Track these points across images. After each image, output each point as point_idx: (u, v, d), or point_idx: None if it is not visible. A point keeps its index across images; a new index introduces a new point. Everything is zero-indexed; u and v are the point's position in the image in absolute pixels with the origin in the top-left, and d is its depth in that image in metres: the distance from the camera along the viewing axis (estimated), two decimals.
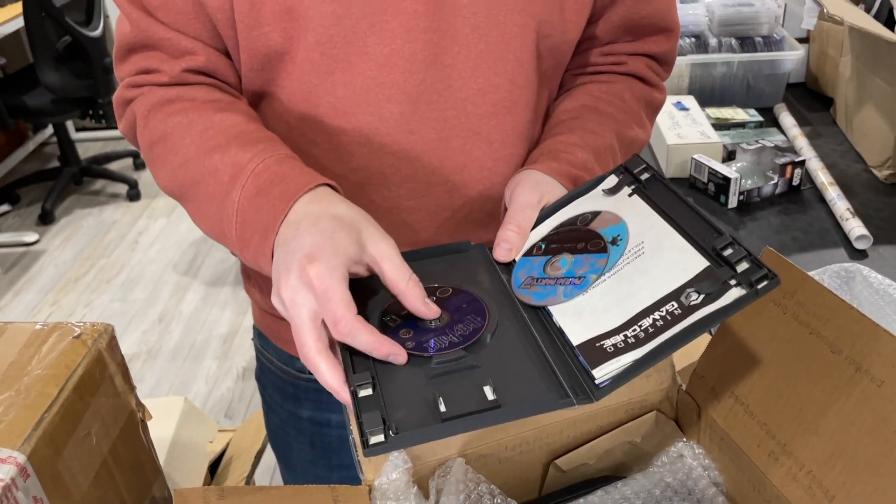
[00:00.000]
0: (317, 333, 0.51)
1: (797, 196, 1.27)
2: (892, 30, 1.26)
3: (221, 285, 2.77)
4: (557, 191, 0.65)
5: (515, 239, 0.62)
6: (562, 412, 0.57)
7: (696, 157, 1.29)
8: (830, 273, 0.84)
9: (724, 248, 0.51)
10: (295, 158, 0.62)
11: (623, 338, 0.51)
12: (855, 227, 1.14)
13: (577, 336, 0.53)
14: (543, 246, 0.62)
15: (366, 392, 0.49)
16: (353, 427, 0.51)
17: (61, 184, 3.36)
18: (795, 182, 1.27)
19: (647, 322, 0.51)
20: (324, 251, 0.52)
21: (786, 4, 1.61)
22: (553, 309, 0.56)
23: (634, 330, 0.51)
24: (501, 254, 0.62)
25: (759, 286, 0.48)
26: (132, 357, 2.34)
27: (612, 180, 0.64)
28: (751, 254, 0.50)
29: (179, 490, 0.50)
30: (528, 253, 0.62)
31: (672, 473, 0.64)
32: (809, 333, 0.55)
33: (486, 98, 0.68)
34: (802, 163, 1.27)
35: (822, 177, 1.28)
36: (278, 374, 0.85)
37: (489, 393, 0.49)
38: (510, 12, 0.65)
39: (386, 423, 0.47)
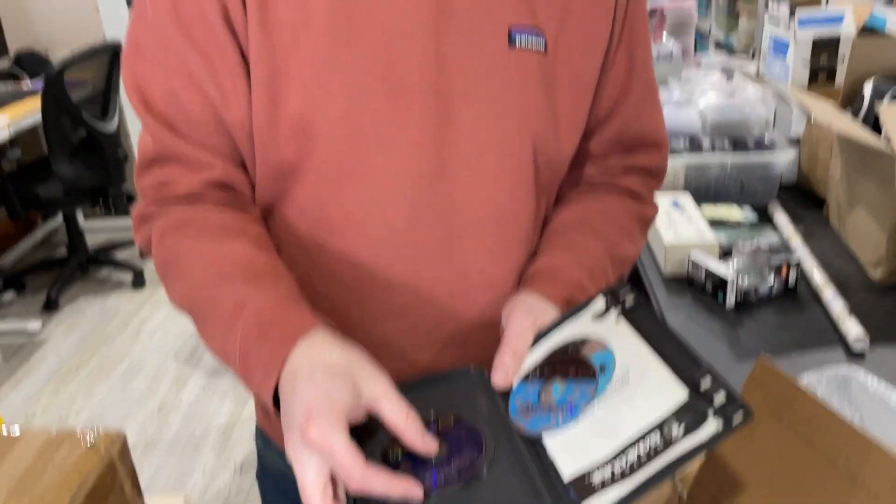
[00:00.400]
0: (321, 492, 0.53)
1: (794, 296, 1.29)
2: (880, 133, 1.32)
3: (222, 375, 2.76)
4: (550, 314, 0.68)
5: (512, 365, 0.64)
6: None
7: (692, 257, 1.32)
8: (828, 377, 0.86)
9: (703, 380, 0.55)
10: (293, 297, 0.65)
11: (610, 472, 0.53)
12: (851, 329, 1.15)
13: (567, 470, 0.55)
14: (539, 371, 0.64)
15: None
16: None
17: (67, 272, 3.40)
18: (791, 282, 1.30)
19: (632, 455, 0.54)
20: (321, 408, 0.53)
21: (776, 110, 1.68)
22: (546, 441, 0.59)
23: (621, 463, 0.54)
24: (498, 379, 0.64)
25: (734, 420, 0.52)
26: (130, 448, 2.31)
27: (600, 304, 0.68)
28: (727, 387, 0.54)
29: None
30: (525, 378, 0.65)
31: None
32: (806, 445, 0.56)
33: (487, 210, 0.72)
34: (798, 264, 1.30)
35: (818, 277, 1.30)
36: (279, 475, 0.85)
37: None
38: (508, 131, 0.70)
39: None
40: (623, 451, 0.54)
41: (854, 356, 1.13)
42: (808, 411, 0.56)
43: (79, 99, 2.98)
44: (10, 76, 3.44)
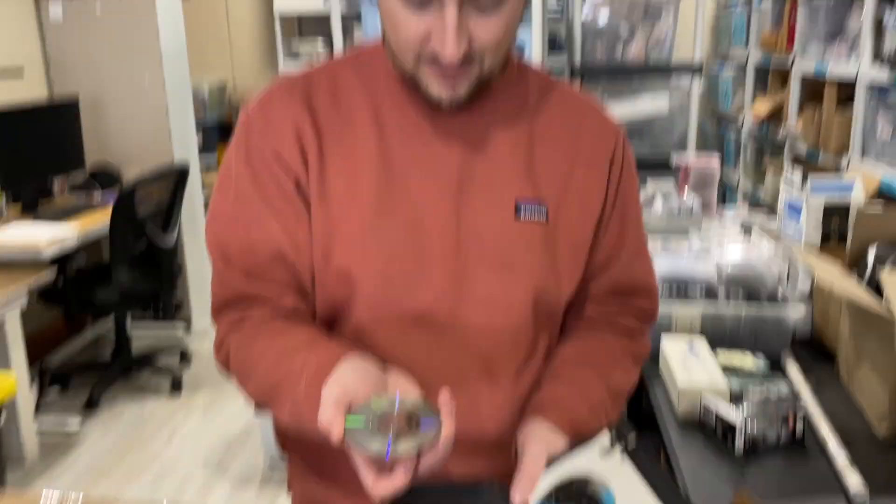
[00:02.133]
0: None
1: (800, 445, 1.36)
2: (882, 296, 1.41)
3: (249, 484, 2.81)
4: (560, 442, 0.79)
5: (529, 487, 0.75)
6: None
7: (705, 401, 1.40)
8: None
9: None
10: (346, 354, 0.77)
11: None
12: (853, 485, 1.21)
13: None
14: (553, 497, 0.75)
15: None
16: None
17: (111, 374, 3.54)
18: (798, 432, 1.36)
19: None
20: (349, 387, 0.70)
21: (789, 266, 1.79)
22: None
23: None
24: (518, 500, 0.75)
25: None
26: None
27: (606, 440, 0.78)
28: None
29: None
30: (541, 501, 0.75)
31: None
32: None
33: (494, 343, 0.86)
34: (805, 416, 1.37)
35: (824, 429, 1.37)
36: None
37: None
38: (514, 285, 0.85)
39: None
40: None
41: None
42: None
43: (144, 214, 3.23)
44: (84, 187, 3.73)
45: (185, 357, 3.84)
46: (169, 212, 3.47)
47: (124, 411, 3.40)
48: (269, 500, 2.72)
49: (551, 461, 0.78)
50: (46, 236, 3.00)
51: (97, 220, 3.26)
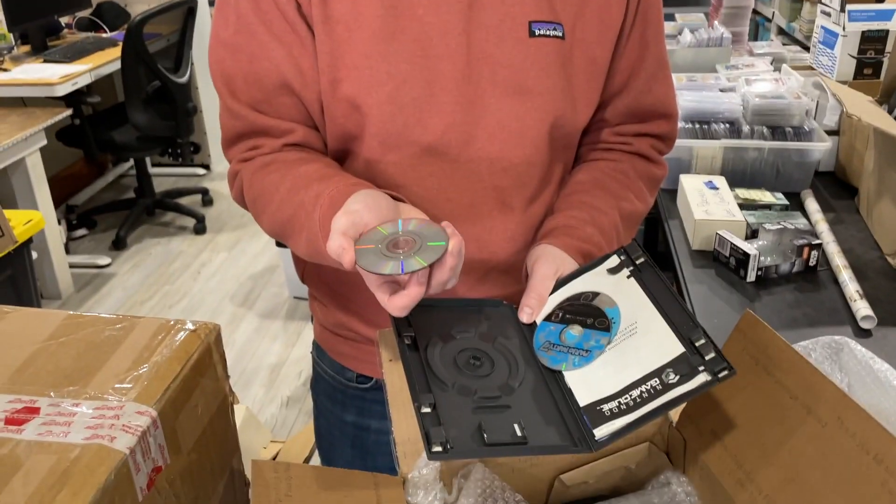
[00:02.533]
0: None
1: (813, 276, 1.37)
2: None
3: (274, 318, 2.94)
4: (569, 264, 0.80)
5: (536, 305, 0.77)
6: None
7: (720, 232, 1.41)
8: (822, 344, 0.95)
9: (698, 339, 0.67)
10: (362, 183, 0.77)
11: (617, 404, 0.66)
12: (861, 308, 1.23)
13: (582, 398, 0.68)
14: (560, 314, 0.76)
15: (426, 409, 0.63)
16: (396, 429, 0.66)
17: (135, 214, 3.62)
18: (812, 263, 1.38)
19: (635, 393, 0.66)
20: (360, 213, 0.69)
21: (818, 100, 1.74)
22: (565, 373, 0.71)
23: (626, 398, 0.66)
24: (525, 317, 0.77)
25: (720, 375, 0.64)
26: None
27: (614, 260, 0.79)
28: (717, 347, 0.65)
29: (256, 461, 0.64)
30: (548, 318, 0.77)
31: (659, 497, 0.75)
32: (775, 382, 0.67)
33: (508, 174, 0.84)
34: (819, 245, 1.38)
35: (838, 260, 1.38)
36: (330, 382, 1.00)
37: (518, 430, 0.64)
38: (528, 110, 0.83)
39: (445, 438, 0.61)
40: (628, 390, 0.66)
41: (862, 334, 1.22)
42: (778, 356, 0.67)
43: (155, 51, 3.16)
44: (90, 25, 3.64)
45: (207, 198, 3.90)
46: (180, 49, 3.39)
47: (152, 249, 3.50)
48: (295, 332, 2.85)
49: (560, 281, 0.79)
50: (59, 73, 2.97)
51: (108, 58, 3.20)
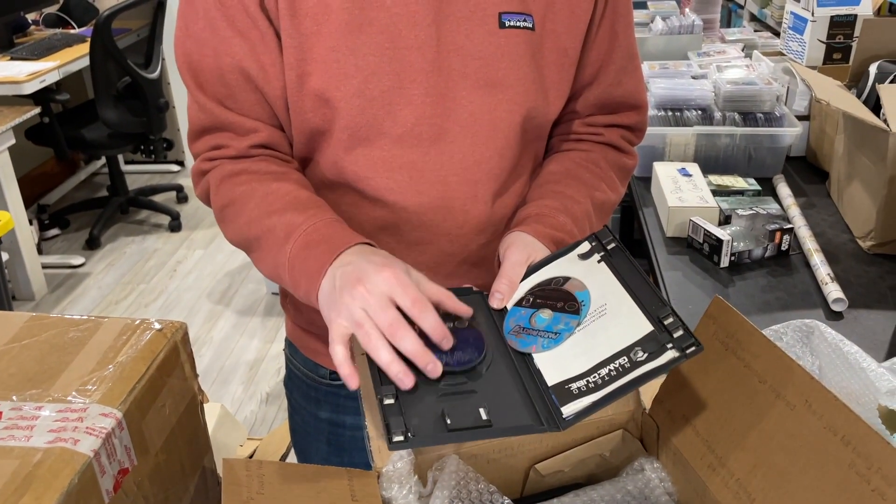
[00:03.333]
0: (394, 311, 0.66)
1: (785, 260, 1.39)
2: (879, 113, 1.39)
3: (251, 315, 2.92)
4: (541, 251, 0.80)
5: (507, 291, 0.76)
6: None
7: (693, 219, 1.42)
8: (793, 327, 0.96)
9: (666, 317, 0.67)
10: (339, 222, 0.78)
11: (585, 383, 0.66)
12: (833, 291, 1.25)
13: (551, 378, 0.68)
14: (531, 299, 0.76)
15: (389, 401, 0.63)
16: (370, 424, 0.65)
17: (108, 212, 3.57)
18: (784, 247, 1.39)
19: (604, 371, 0.66)
20: (392, 262, 0.68)
21: (788, 85, 1.75)
22: (534, 355, 0.71)
23: (594, 377, 0.66)
24: (495, 303, 0.76)
25: (688, 351, 0.64)
26: None
27: (585, 246, 0.79)
28: (685, 324, 0.65)
29: (227, 459, 0.64)
30: (518, 304, 0.77)
31: (633, 483, 0.76)
32: (744, 367, 0.67)
33: (480, 167, 0.84)
34: (791, 230, 1.39)
35: (809, 244, 1.39)
36: (304, 379, 0.99)
37: (483, 414, 0.63)
38: (499, 101, 0.82)
39: (406, 427, 0.61)
40: (596, 368, 0.66)
41: (834, 316, 1.23)
42: (747, 340, 0.67)
43: (124, 46, 3.11)
44: (58, 21, 3.58)
45: (181, 195, 3.86)
46: (150, 44, 3.34)
47: (127, 248, 3.46)
48: (274, 328, 2.84)
49: (532, 267, 0.79)
50: (26, 70, 2.91)
51: (76, 54, 3.15)
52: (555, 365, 0.69)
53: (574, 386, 0.66)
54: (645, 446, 0.78)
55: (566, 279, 0.76)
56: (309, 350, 0.98)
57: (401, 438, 0.60)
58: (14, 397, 0.57)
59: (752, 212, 1.44)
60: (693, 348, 0.64)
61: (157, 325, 0.65)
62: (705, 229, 1.39)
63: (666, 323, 0.66)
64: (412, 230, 0.85)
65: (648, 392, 0.80)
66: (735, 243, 1.36)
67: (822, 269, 1.31)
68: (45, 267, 3.16)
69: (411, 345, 0.64)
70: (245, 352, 2.70)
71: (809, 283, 1.32)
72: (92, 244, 3.45)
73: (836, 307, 1.24)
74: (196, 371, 0.68)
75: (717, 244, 1.36)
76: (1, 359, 0.62)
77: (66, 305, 3.02)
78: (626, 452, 0.78)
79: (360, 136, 0.81)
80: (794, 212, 1.51)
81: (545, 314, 0.74)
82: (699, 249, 1.41)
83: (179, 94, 3.97)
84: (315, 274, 0.72)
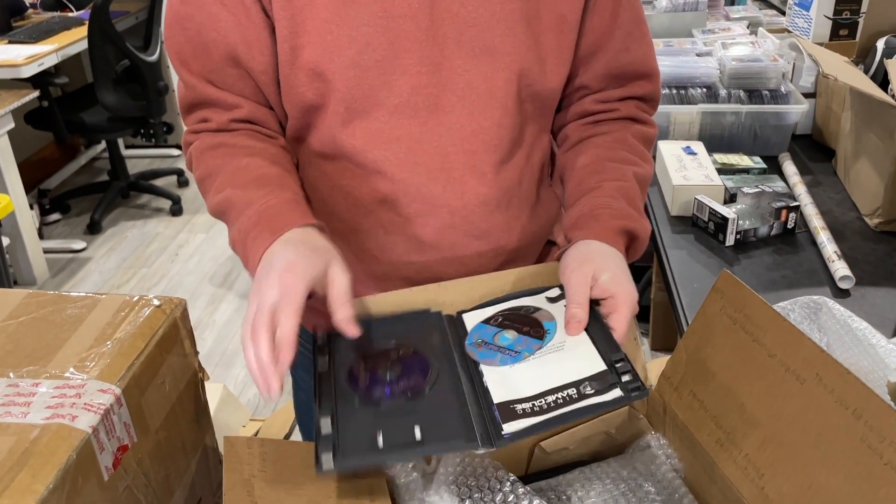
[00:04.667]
0: (269, 318, 0.65)
1: (791, 238, 1.37)
2: (887, 90, 1.37)
3: None
4: (603, 257, 0.76)
5: (582, 315, 0.73)
6: None
7: (698, 197, 1.41)
8: (801, 304, 0.95)
9: (618, 361, 0.68)
10: (295, 202, 0.78)
11: (531, 406, 0.66)
12: (840, 269, 1.23)
13: (498, 396, 0.67)
14: (499, 319, 0.77)
15: (326, 424, 0.63)
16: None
17: (109, 196, 3.56)
18: (790, 225, 1.38)
19: (551, 398, 0.66)
20: (300, 264, 0.68)
21: (794, 62, 1.73)
22: (485, 370, 0.71)
23: (540, 402, 0.66)
24: (573, 330, 0.72)
25: (633, 394, 0.65)
26: None
27: (555, 291, 0.79)
28: (634, 370, 0.67)
29: (229, 437, 0.63)
30: (485, 321, 0.77)
31: (640, 460, 0.75)
32: (753, 341, 0.66)
33: (478, 137, 0.82)
34: (797, 208, 1.37)
35: (816, 221, 1.38)
36: (306, 354, 0.98)
37: (417, 433, 0.63)
38: (495, 69, 0.81)
39: (336, 450, 0.60)
40: (544, 395, 0.67)
41: (841, 294, 1.22)
42: (756, 315, 0.66)
43: (122, 29, 3.09)
44: (56, 4, 3.54)
45: (182, 179, 3.84)
46: (148, 27, 3.31)
47: (128, 233, 3.45)
48: None
49: (500, 298, 0.79)
50: (24, 54, 2.89)
51: (75, 37, 3.12)
52: (504, 385, 0.69)
53: (519, 407, 0.66)
54: (651, 423, 0.77)
55: (536, 309, 0.77)
56: (310, 324, 0.97)
57: (330, 465, 0.60)
58: (11, 374, 0.56)
59: (757, 190, 1.42)
60: (638, 392, 0.66)
61: (156, 302, 0.64)
62: (710, 207, 1.37)
63: (617, 366, 0.68)
64: (411, 202, 0.84)
65: (655, 369, 0.79)
66: (741, 221, 1.35)
67: (829, 247, 1.30)
68: (46, 252, 3.15)
69: (251, 357, 0.63)
70: None
71: (816, 261, 1.30)
72: (93, 229, 3.44)
73: (842, 284, 1.22)
74: (196, 348, 0.67)
75: (722, 222, 1.35)
76: None
77: (68, 290, 3.01)
78: (632, 429, 0.78)
79: (355, 108, 0.80)
80: (801, 189, 1.49)
81: (509, 334, 0.75)
82: (704, 228, 1.39)
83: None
84: (256, 253, 0.73)
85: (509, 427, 0.64)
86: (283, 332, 0.64)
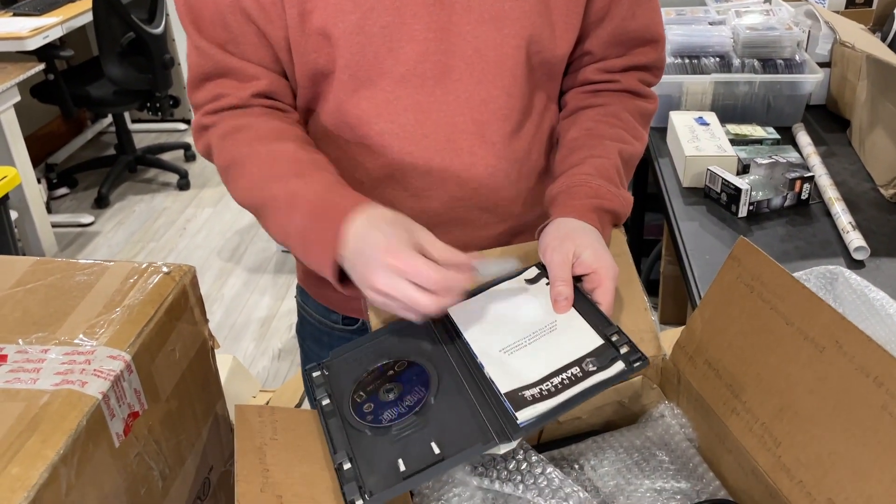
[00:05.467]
0: (422, 292, 0.64)
1: (805, 209, 1.36)
2: None
3: (262, 272, 2.92)
4: (581, 234, 0.75)
5: (568, 292, 0.72)
6: None
7: (711, 168, 1.39)
8: (816, 274, 0.93)
9: (612, 335, 0.67)
10: (340, 183, 0.75)
11: (539, 390, 0.64)
12: (854, 239, 1.22)
13: (504, 386, 0.66)
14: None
15: (346, 465, 0.61)
16: None
17: (117, 171, 3.55)
18: (804, 196, 1.36)
19: (556, 380, 0.65)
20: (395, 243, 0.65)
21: (809, 30, 1.69)
22: (483, 362, 0.68)
23: (548, 385, 0.65)
24: (561, 308, 0.72)
25: (635, 364, 0.64)
26: None
27: (532, 272, 0.77)
28: (631, 341, 0.66)
29: (240, 406, 0.62)
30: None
31: (653, 429, 0.74)
32: (770, 309, 0.65)
33: (487, 106, 0.81)
34: (811, 178, 1.35)
35: (830, 192, 1.36)
36: (316, 325, 0.98)
37: (435, 448, 0.61)
38: (505, 36, 0.79)
39: (362, 489, 0.59)
40: (549, 377, 0.65)
41: (855, 265, 1.20)
42: (773, 282, 0.65)
43: (127, 1, 3.06)
44: None
45: (189, 153, 3.83)
46: None
47: (136, 207, 3.45)
48: (285, 285, 2.83)
49: (476, 289, 0.76)
50: (29, 26, 2.87)
51: (79, 9, 3.10)
52: (507, 373, 0.67)
53: (528, 393, 0.65)
54: (665, 393, 0.77)
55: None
56: (320, 296, 0.96)
57: (360, 502, 0.58)
58: (20, 340, 0.56)
59: (771, 160, 1.40)
60: (639, 362, 0.65)
61: (165, 269, 0.63)
62: (723, 178, 1.35)
63: (613, 339, 0.67)
64: (419, 176, 0.82)
65: (669, 338, 0.79)
66: (754, 192, 1.33)
67: (844, 218, 1.28)
68: (54, 226, 3.15)
69: (458, 282, 0.65)
70: (256, 309, 2.70)
71: (830, 232, 1.29)
72: (101, 203, 3.44)
73: (857, 255, 1.21)
74: (206, 316, 0.66)
75: (735, 193, 1.33)
76: (5, 303, 0.60)
77: None
78: (646, 399, 0.77)
79: (361, 76, 0.78)
80: (815, 160, 1.47)
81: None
82: (717, 199, 1.38)
83: (185, 51, 3.91)
84: (328, 246, 0.69)
85: (523, 415, 0.62)
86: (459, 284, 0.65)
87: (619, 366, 0.65)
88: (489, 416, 0.64)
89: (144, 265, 0.64)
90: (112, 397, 0.52)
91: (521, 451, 0.65)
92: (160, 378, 0.59)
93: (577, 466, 0.72)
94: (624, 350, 0.66)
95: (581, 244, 0.74)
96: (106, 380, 0.52)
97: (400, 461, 0.61)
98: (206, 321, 0.67)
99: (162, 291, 0.61)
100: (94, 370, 0.52)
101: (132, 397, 0.55)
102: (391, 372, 0.70)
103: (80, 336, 0.56)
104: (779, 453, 0.61)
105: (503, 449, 0.62)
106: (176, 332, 0.61)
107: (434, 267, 0.63)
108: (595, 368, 0.65)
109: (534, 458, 0.64)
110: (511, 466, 0.64)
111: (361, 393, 0.68)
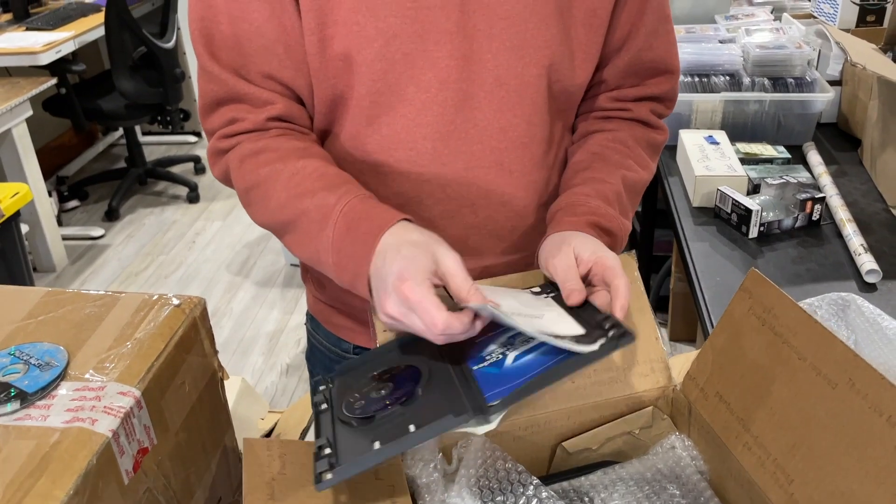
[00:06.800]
0: (438, 316, 0.63)
1: (816, 231, 1.35)
2: None
3: (271, 286, 2.92)
4: (578, 238, 0.75)
5: (578, 286, 0.71)
6: (567, 401, 0.72)
7: (721, 188, 1.38)
8: (829, 301, 0.93)
9: (603, 321, 0.66)
10: (372, 197, 0.75)
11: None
12: (866, 262, 1.21)
13: (480, 374, 0.65)
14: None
15: (326, 451, 0.61)
16: None
17: (127, 183, 3.57)
18: (815, 217, 1.35)
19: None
20: (410, 272, 0.64)
21: (820, 49, 1.69)
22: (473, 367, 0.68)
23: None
24: (575, 299, 0.70)
25: (621, 340, 0.63)
26: None
27: (537, 289, 0.77)
28: (619, 322, 0.64)
29: (248, 439, 0.62)
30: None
31: (664, 461, 0.74)
32: (782, 342, 0.64)
33: (507, 135, 0.80)
34: (823, 199, 1.35)
35: (841, 213, 1.35)
36: (326, 353, 0.98)
37: (412, 429, 0.61)
38: (526, 65, 0.78)
39: (333, 465, 0.59)
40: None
41: (867, 288, 1.19)
42: (785, 315, 0.64)
43: (139, 15, 3.08)
44: None
45: (199, 166, 3.85)
46: (165, 14, 3.31)
47: (146, 220, 3.47)
48: (293, 299, 2.84)
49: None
50: (42, 41, 2.90)
51: (92, 24, 3.13)
52: (493, 371, 0.67)
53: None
54: (676, 424, 0.76)
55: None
56: (331, 324, 0.96)
57: (329, 476, 0.58)
58: None
59: (781, 180, 1.40)
60: (624, 337, 0.63)
61: (176, 301, 0.63)
62: (733, 199, 1.35)
63: (604, 324, 0.66)
64: (434, 204, 0.82)
65: (680, 368, 0.78)
66: (764, 213, 1.32)
67: (855, 240, 1.27)
68: (65, 238, 3.17)
69: (461, 328, 0.63)
70: (265, 323, 2.71)
71: (841, 254, 1.28)
72: (111, 216, 3.46)
73: (869, 279, 1.20)
74: (216, 347, 0.66)
75: (745, 214, 1.33)
76: (17, 335, 0.61)
77: (86, 277, 3.04)
78: (656, 430, 0.76)
79: (382, 102, 0.78)
80: (826, 180, 1.46)
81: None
82: (727, 220, 1.37)
83: (195, 64, 3.94)
84: (362, 260, 0.69)
85: (492, 394, 0.62)
86: (460, 329, 0.63)
87: (600, 342, 0.63)
88: (467, 398, 0.63)
89: (155, 297, 0.64)
90: (122, 434, 0.52)
91: (532, 487, 0.64)
92: (170, 412, 0.59)
93: (586, 499, 0.71)
94: (612, 333, 0.64)
95: (579, 245, 0.73)
96: (116, 417, 0.52)
97: (377, 443, 0.60)
98: (216, 352, 0.67)
99: (172, 325, 0.61)
100: (105, 407, 0.52)
101: (142, 433, 0.55)
102: (387, 375, 0.70)
103: (91, 371, 0.56)
104: (791, 490, 0.61)
105: (481, 429, 0.61)
106: (186, 365, 0.61)
107: (439, 311, 0.62)
108: (575, 345, 0.63)
109: (544, 494, 0.64)
110: (521, 502, 0.64)
111: (356, 395, 0.69)
